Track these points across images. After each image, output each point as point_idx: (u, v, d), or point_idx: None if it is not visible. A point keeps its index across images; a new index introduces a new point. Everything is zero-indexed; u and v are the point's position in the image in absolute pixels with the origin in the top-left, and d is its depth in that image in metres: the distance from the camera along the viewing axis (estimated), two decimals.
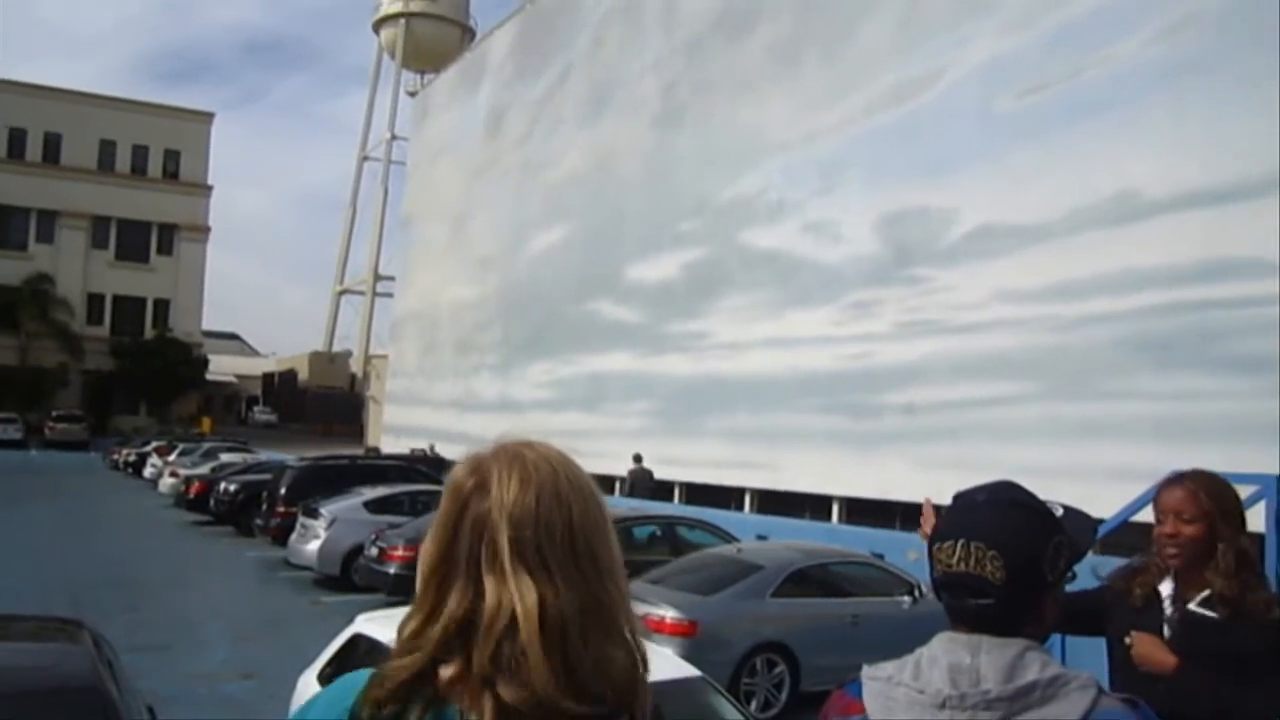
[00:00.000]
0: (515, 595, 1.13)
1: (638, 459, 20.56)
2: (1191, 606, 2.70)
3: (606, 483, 22.63)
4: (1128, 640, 2.71)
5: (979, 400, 15.91)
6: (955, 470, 15.73)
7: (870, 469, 17.74)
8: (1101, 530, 6.27)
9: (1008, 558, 1.50)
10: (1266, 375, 12.25)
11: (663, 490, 21.33)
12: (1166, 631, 2.72)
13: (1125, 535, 6.42)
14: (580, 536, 1.20)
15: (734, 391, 21.35)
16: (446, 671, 1.15)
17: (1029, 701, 1.43)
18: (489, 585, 1.15)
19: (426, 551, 1.22)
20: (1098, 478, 11.71)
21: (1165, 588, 2.78)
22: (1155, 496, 2.83)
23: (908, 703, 1.49)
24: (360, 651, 5.47)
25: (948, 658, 1.50)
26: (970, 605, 1.52)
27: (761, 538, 12.51)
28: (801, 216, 20.51)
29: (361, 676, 1.22)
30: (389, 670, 1.18)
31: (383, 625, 5.48)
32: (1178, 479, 2.81)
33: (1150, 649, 2.66)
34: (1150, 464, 7.68)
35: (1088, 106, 14.79)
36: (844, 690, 1.61)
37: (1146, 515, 6.05)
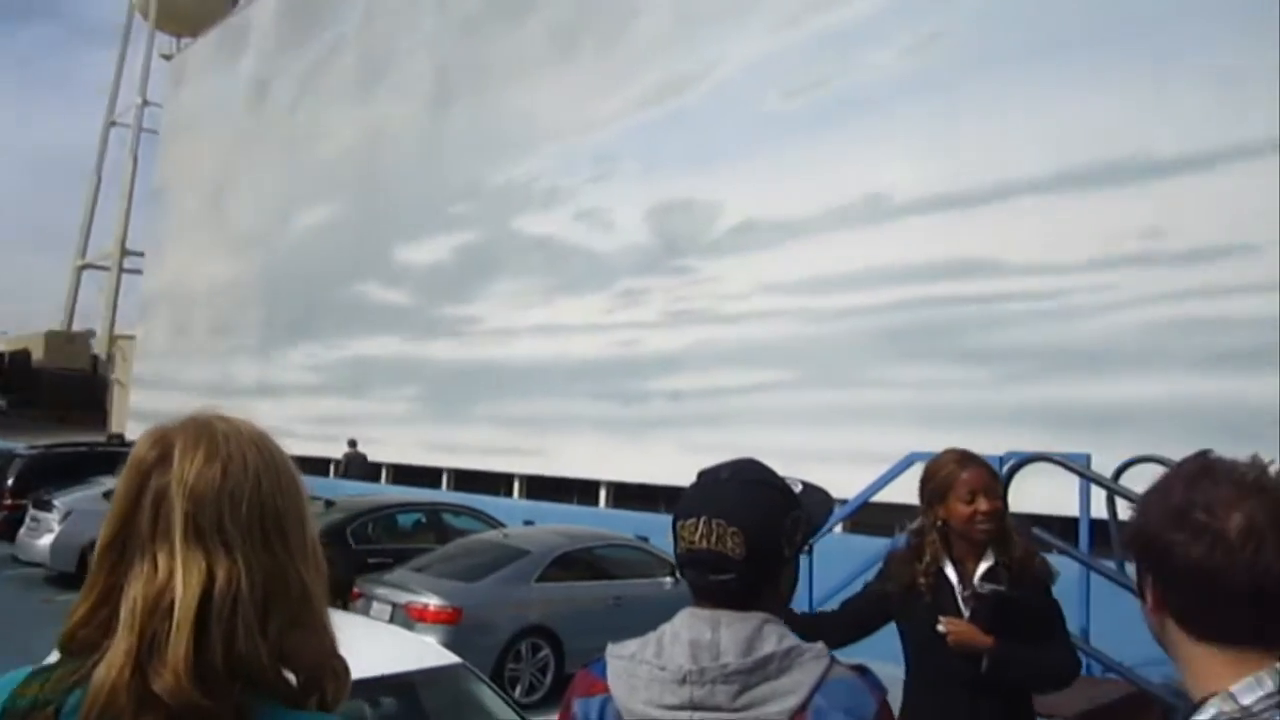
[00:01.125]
0: (181, 571, 1.07)
1: (352, 443, 21.26)
2: (978, 583, 2.84)
3: (372, 469, 22.08)
4: (941, 628, 2.79)
5: (740, 387, 16.52)
6: (718, 453, 16.07)
7: (637, 454, 18.09)
8: (849, 507, 6.64)
9: (748, 533, 1.54)
10: (999, 366, 13.36)
11: (422, 475, 21.26)
12: (966, 612, 2.83)
13: (869, 514, 6.81)
14: (270, 514, 1.14)
15: (504, 377, 21.26)
16: (106, 654, 1.07)
17: (766, 673, 1.47)
18: (161, 561, 1.09)
19: (105, 527, 1.15)
20: (847, 460, 12.38)
21: (948, 570, 2.89)
22: (947, 478, 2.89)
23: (649, 680, 1.51)
24: None
25: (689, 633, 1.53)
26: (711, 581, 1.56)
27: (529, 523, 12.51)
28: (574, 204, 20.64)
29: (18, 674, 1.14)
30: (53, 661, 1.12)
31: None
32: (970, 459, 2.91)
33: (967, 632, 2.76)
34: (894, 448, 8.20)
35: (846, 110, 15.59)
36: (589, 670, 1.62)
37: (885, 495, 6.42)
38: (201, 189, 36.97)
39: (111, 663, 1.05)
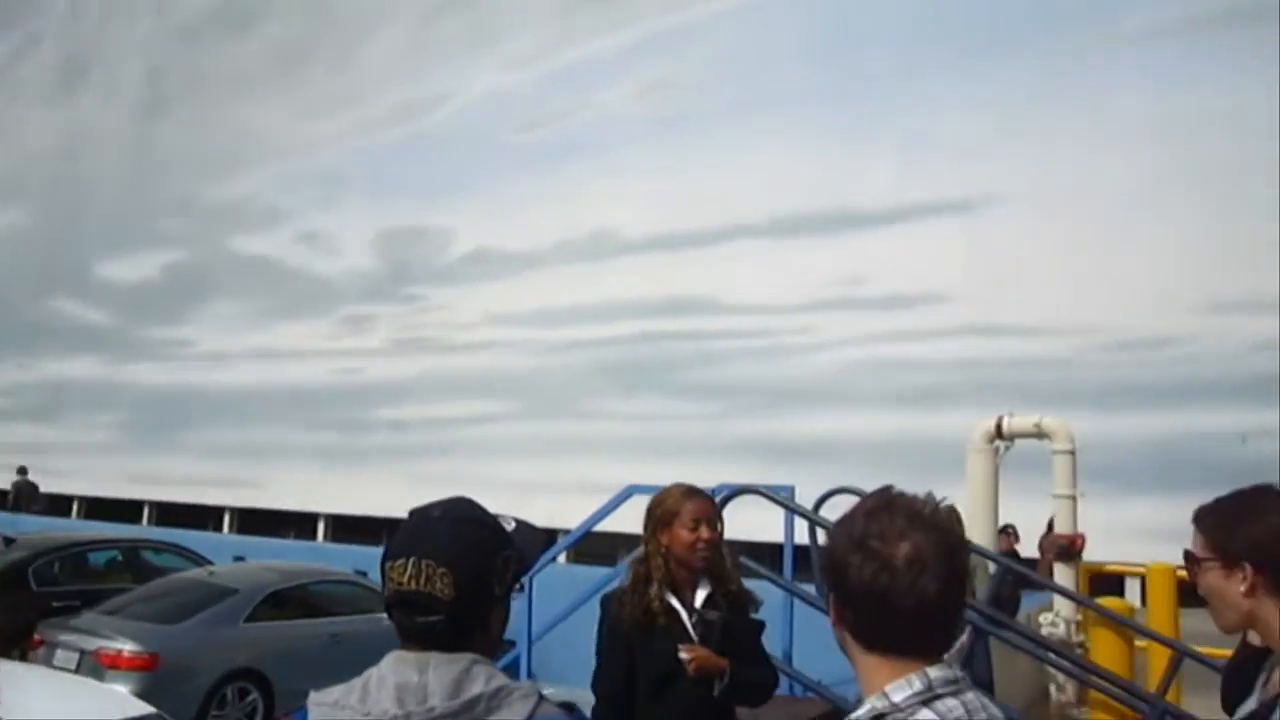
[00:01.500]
0: None
1: (22, 471, 19.25)
2: (701, 609, 2.95)
3: (63, 503, 20.22)
4: (684, 657, 2.85)
5: (467, 417, 16.44)
6: (443, 485, 15.84)
7: (358, 485, 17.55)
8: (568, 539, 6.73)
9: (457, 574, 1.52)
10: (715, 400, 14.03)
11: (121, 510, 19.66)
12: (695, 638, 2.92)
13: (590, 544, 6.93)
14: None
15: (216, 404, 20.08)
16: None
17: (474, 714, 1.46)
18: None
19: None
20: (569, 491, 12.56)
21: (672, 599, 2.97)
22: (672, 508, 2.99)
23: None
24: None
25: (396, 677, 1.50)
26: (419, 623, 1.53)
27: (239, 559, 11.84)
28: (296, 225, 19.90)
29: None
30: None
31: None
32: (693, 491, 3.04)
33: (707, 657, 2.84)
34: (616, 478, 8.40)
35: (578, 148, 15.97)
36: (289, 717, 1.57)
37: (606, 525, 6.57)
38: None
39: None
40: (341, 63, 20.04)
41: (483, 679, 1.50)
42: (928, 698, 1.31)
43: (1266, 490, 1.65)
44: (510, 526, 1.68)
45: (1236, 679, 1.86)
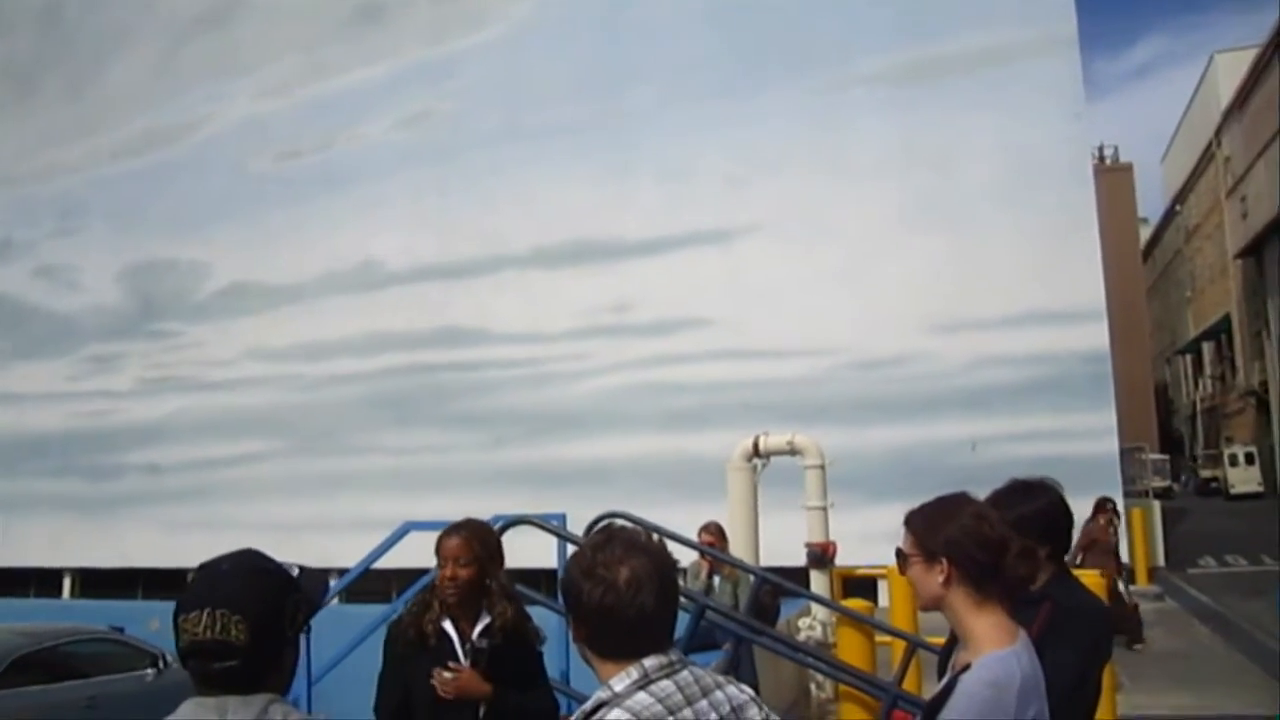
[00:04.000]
0: None
1: None
2: (475, 638, 3.10)
3: None
4: (446, 675, 2.99)
5: (228, 458, 15.80)
6: (203, 530, 15.35)
7: (109, 535, 16.50)
8: (347, 578, 6.70)
9: (250, 620, 1.64)
10: (487, 429, 14.11)
11: None
12: (466, 663, 3.07)
13: (364, 582, 6.92)
14: None
15: None
16: None
17: None
18: None
19: None
20: (343, 528, 12.33)
21: (446, 625, 3.13)
22: (437, 545, 3.17)
23: None
24: None
25: None
26: (215, 669, 1.63)
27: None
28: (33, 259, 18.54)
29: None
30: None
31: None
32: (454, 529, 3.20)
33: (468, 680, 3.00)
34: (392, 512, 8.37)
35: (338, 178, 15.71)
36: None
37: (381, 562, 6.58)
38: None
39: None
40: (80, 86, 18.87)
41: (279, 716, 1.62)
42: (644, 683, 1.58)
43: (962, 496, 1.97)
44: (295, 573, 1.81)
45: (945, 661, 2.19)
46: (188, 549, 16.20)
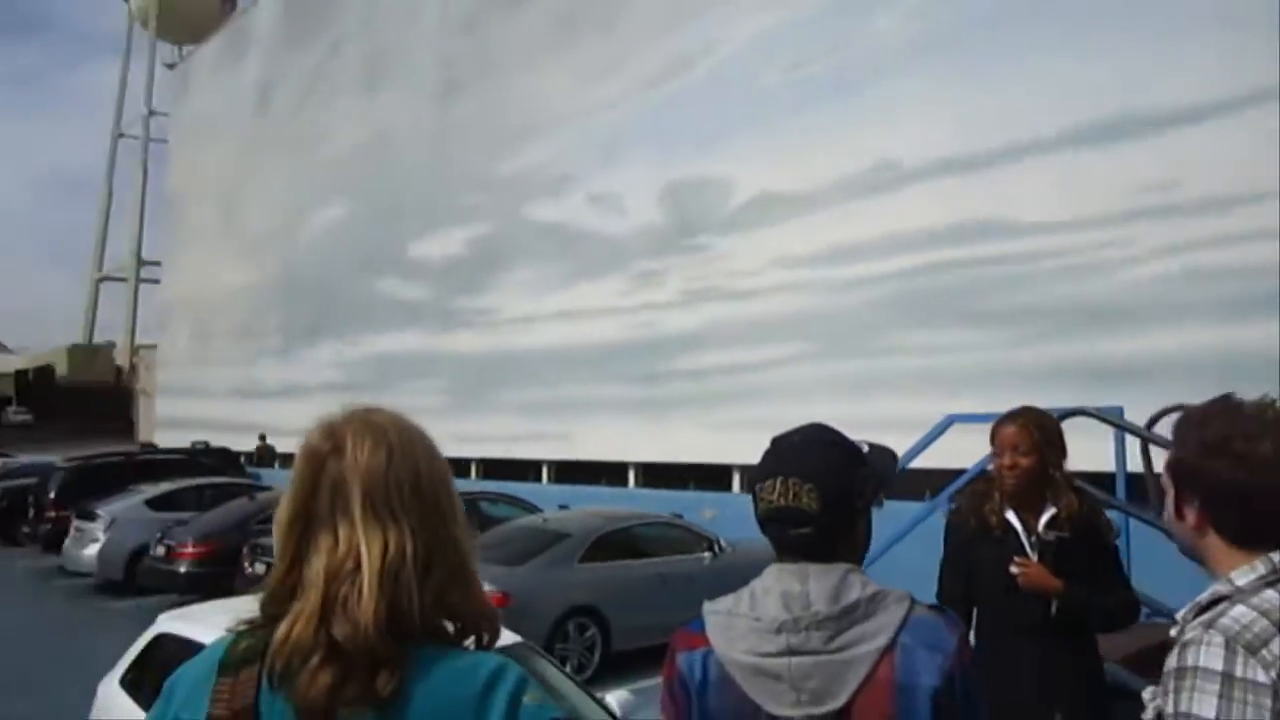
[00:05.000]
0: (363, 542, 1.27)
1: (263, 437, 26.19)
2: (1042, 530, 3.04)
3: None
4: (1013, 569, 2.97)
5: (761, 362, 16.65)
6: (742, 430, 16.44)
7: (662, 434, 18.26)
8: (898, 466, 6.79)
9: (821, 489, 1.70)
10: (1019, 326, 13.46)
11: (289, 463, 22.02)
12: (1033, 556, 3.03)
13: (909, 481, 6.96)
14: (427, 489, 1.34)
15: (526, 365, 21.45)
16: (293, 610, 1.27)
17: (854, 617, 1.64)
18: (341, 534, 1.28)
19: (283, 510, 1.34)
20: (874, 429, 12.50)
21: (1010, 516, 3.09)
22: (992, 433, 3.13)
23: (747, 631, 1.68)
24: (166, 651, 5.27)
25: (779, 586, 1.70)
26: (792, 535, 1.72)
27: (564, 507, 12.71)
28: (585, 189, 20.76)
29: (227, 637, 1.34)
30: (255, 617, 1.32)
31: (189, 622, 5.32)
32: (1011, 417, 3.14)
33: (1039, 575, 2.96)
34: (923, 413, 8.34)
35: (851, 79, 15.65)
36: (687, 628, 1.79)
37: (922, 460, 6.56)
38: (213, 195, 37.24)
39: (299, 617, 1.25)
40: (609, 25, 20.64)
41: (859, 585, 1.67)
42: (1272, 580, 1.43)
43: None
44: (864, 450, 1.84)
45: None
46: (729, 446, 17.52)
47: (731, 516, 11.97)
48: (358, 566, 1.25)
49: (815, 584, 1.67)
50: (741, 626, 1.69)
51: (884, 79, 15.22)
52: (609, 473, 19.53)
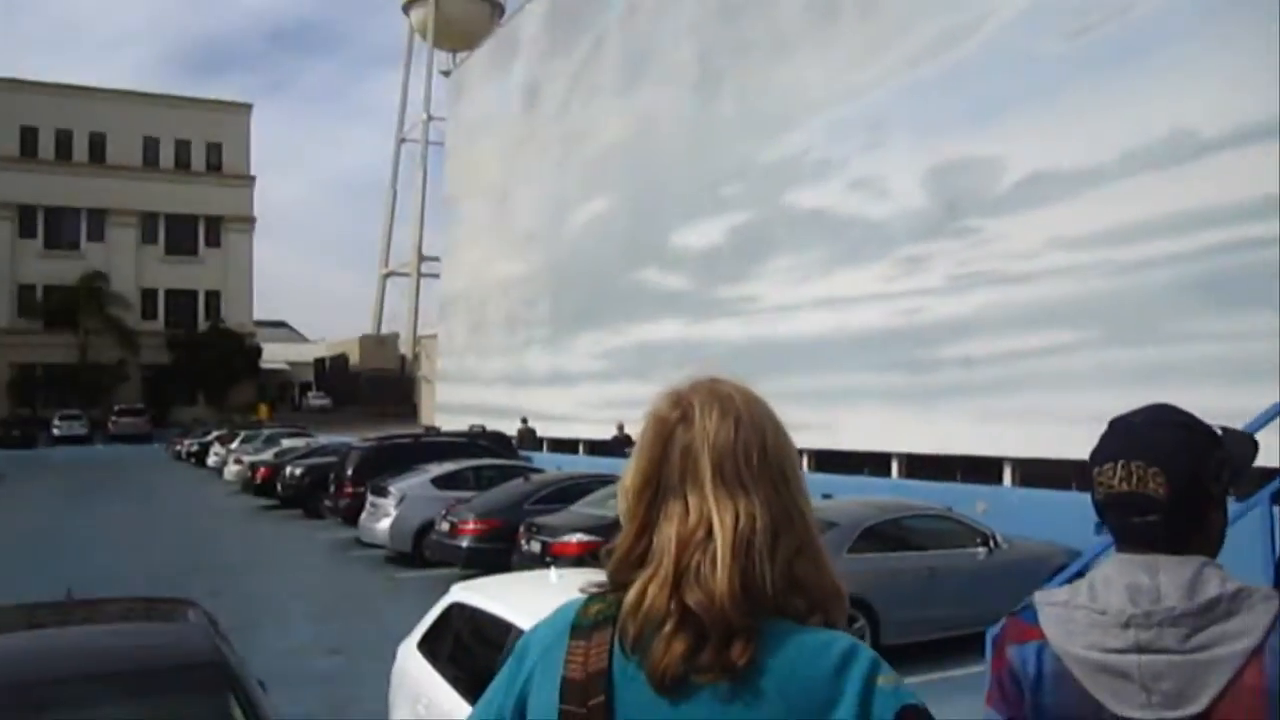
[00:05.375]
0: (715, 512, 1.26)
1: (524, 420, 27.19)
2: None
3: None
4: None
5: (1037, 350, 15.79)
6: (1014, 421, 15.71)
7: (929, 424, 17.68)
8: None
9: (1170, 473, 1.55)
10: None
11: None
12: None
13: None
14: (774, 460, 1.32)
15: (787, 353, 21.32)
16: (643, 576, 1.27)
17: (1214, 616, 1.48)
18: (692, 503, 1.27)
19: (631, 477, 1.34)
20: None
21: None
22: None
23: (1088, 624, 1.55)
24: (457, 619, 5.59)
25: (1124, 578, 1.56)
26: (1136, 523, 1.57)
27: (827, 496, 12.54)
28: (847, 174, 20.39)
29: (577, 600, 1.36)
30: (603, 582, 1.33)
31: (478, 593, 5.61)
32: None
33: None
34: (1217, 405, 7.62)
35: (1137, 45, 14.53)
36: (1018, 617, 1.68)
37: None
38: (486, 193, 39.33)
39: (651, 583, 1.25)
40: (871, 6, 20.15)
41: (1217, 581, 1.51)
42: None
43: None
44: (1218, 432, 1.67)
45: None
46: (1000, 438, 16.73)
47: (1003, 511, 11.44)
48: (709, 535, 1.25)
49: (1166, 577, 1.53)
50: (1082, 619, 1.57)
51: (1177, 38, 14.02)
52: (871, 462, 19.15)
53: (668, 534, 1.27)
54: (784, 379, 21.21)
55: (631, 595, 1.26)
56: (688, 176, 25.63)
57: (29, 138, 55.16)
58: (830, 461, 19.91)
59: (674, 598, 1.23)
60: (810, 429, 20.44)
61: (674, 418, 1.34)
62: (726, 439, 1.30)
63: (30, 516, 21.30)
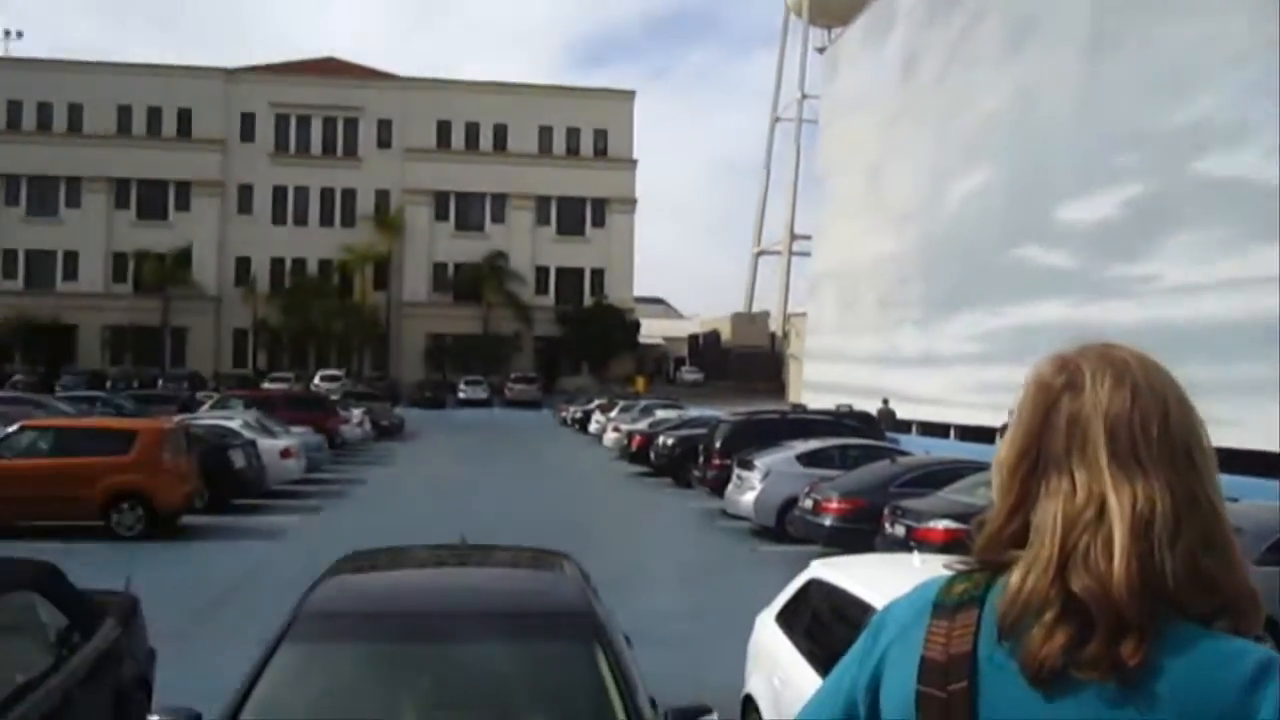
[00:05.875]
0: (1109, 490, 1.13)
1: (885, 401, 27.25)
2: None
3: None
4: None
5: None
6: None
7: None
8: None
9: None
10: None
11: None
12: None
13: None
14: (1176, 435, 1.17)
15: (1188, 338, 19.30)
16: (1022, 557, 1.17)
17: None
18: (1079, 479, 1.15)
19: (1007, 449, 1.24)
20: None
21: None
22: None
23: None
24: (815, 595, 5.62)
25: None
26: None
27: (1233, 500, 11.28)
28: (1268, 138, 18.10)
29: (940, 577, 1.28)
30: (969, 559, 1.24)
31: (839, 571, 5.61)
32: None
33: None
34: None
35: None
36: None
37: None
38: (859, 170, 38.88)
39: (1033, 566, 1.14)
40: None
41: None
42: None
43: None
44: None
45: None
46: None
47: None
48: (1099, 515, 1.13)
49: None
50: None
51: None
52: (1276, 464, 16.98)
53: (1050, 512, 1.16)
54: (1183, 367, 19.07)
55: (1013, 578, 1.16)
56: (1075, 146, 23.90)
57: (443, 131, 61.51)
58: (1235, 462, 17.85)
59: (1057, 582, 1.12)
60: (1215, 425, 18.48)
61: (1059, 384, 1.21)
62: (1121, 409, 1.16)
63: (437, 467, 24.08)
